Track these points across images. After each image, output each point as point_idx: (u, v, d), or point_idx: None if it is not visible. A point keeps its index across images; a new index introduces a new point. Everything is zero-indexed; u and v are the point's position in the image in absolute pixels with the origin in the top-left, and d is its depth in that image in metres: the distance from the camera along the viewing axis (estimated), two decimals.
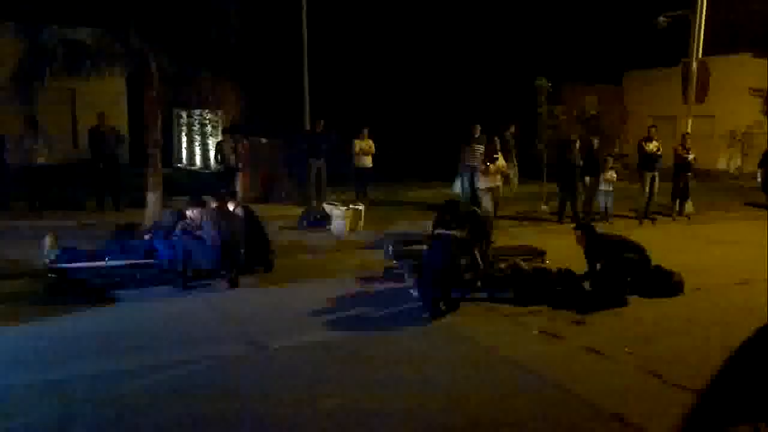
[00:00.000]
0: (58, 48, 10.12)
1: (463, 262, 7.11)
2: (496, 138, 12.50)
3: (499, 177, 12.12)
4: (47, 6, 10.14)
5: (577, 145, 12.92)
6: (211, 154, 16.94)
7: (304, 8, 15.19)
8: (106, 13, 9.81)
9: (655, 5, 16.69)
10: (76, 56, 10.29)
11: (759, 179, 13.25)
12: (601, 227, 11.54)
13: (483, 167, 12.02)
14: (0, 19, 13.75)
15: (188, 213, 8.30)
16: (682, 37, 15.84)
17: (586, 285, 7.53)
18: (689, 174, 13.54)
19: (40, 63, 10.26)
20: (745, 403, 4.99)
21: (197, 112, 19.01)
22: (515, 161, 15.12)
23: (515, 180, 15.26)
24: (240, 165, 13.44)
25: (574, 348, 6.04)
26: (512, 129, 15.04)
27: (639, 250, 7.73)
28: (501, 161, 12.16)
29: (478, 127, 13.73)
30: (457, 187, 14.07)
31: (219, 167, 13.22)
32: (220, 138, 14.45)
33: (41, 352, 5.86)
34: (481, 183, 12.19)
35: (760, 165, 13.17)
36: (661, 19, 16.30)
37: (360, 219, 11.68)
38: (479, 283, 7.37)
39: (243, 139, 14.07)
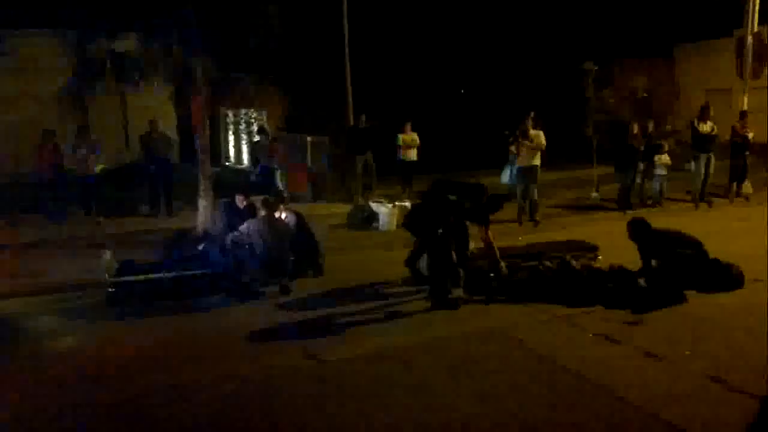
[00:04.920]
0: (106, 59, 10.41)
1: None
2: (528, 116, 11.46)
3: (536, 156, 11.44)
4: (93, 18, 10.37)
5: (635, 129, 12.49)
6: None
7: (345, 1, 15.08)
8: (151, 25, 9.98)
9: None
10: (124, 66, 10.59)
11: None
12: (654, 212, 11.45)
13: (514, 147, 11.56)
14: (46, 28, 14.19)
15: (238, 200, 8.59)
16: (733, 5, 15.21)
17: (641, 282, 7.37)
18: (747, 153, 13.07)
19: (90, 74, 10.59)
20: None
21: (243, 111, 19.23)
22: None
23: None
24: (276, 165, 13.45)
25: (631, 351, 5.94)
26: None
27: (695, 245, 7.51)
28: (540, 139, 11.32)
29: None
30: (506, 176, 13.87)
31: (255, 170, 13.31)
32: (255, 139, 14.55)
33: (104, 367, 6.04)
34: (517, 162, 11.65)
35: None
36: None
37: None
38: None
39: (276, 139, 14.10)
